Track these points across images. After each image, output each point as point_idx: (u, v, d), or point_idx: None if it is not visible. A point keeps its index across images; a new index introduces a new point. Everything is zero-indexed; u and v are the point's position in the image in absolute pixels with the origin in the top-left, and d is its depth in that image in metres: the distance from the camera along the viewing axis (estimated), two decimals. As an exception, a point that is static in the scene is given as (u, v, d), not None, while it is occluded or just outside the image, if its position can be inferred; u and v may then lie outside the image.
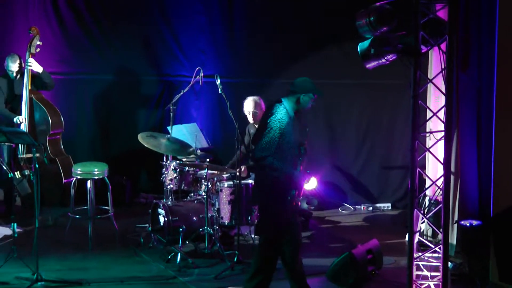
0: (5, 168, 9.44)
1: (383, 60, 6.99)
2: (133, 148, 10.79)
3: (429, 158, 8.50)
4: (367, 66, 7.11)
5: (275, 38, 11.24)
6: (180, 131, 9.85)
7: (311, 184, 10.62)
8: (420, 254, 7.21)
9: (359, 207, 11.03)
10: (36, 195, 7.73)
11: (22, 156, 9.92)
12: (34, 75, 9.99)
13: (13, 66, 9.91)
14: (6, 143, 9.36)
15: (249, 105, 9.36)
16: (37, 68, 9.92)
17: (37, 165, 7.74)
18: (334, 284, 7.75)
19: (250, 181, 8.73)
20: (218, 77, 8.67)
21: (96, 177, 9.10)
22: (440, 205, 7.02)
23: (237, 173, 8.47)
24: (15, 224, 8.05)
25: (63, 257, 8.54)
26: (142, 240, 8.89)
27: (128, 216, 10.07)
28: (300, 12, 11.22)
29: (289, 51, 11.25)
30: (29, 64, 9.88)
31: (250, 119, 9.39)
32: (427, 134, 7.78)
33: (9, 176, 9.14)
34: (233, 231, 8.98)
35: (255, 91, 10.26)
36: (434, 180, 7.23)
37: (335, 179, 11.26)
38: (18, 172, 9.84)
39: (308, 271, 8.00)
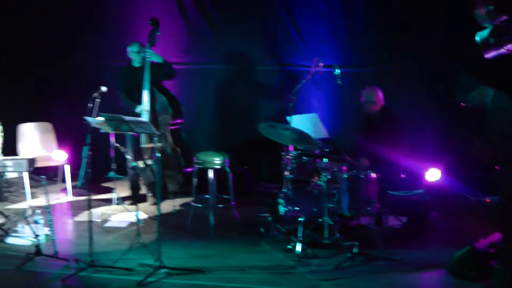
0: (129, 157, 9.67)
1: (503, 50, 6.80)
2: (254, 138, 10.87)
3: None
4: (486, 56, 6.93)
5: (395, 26, 11.07)
6: (300, 121, 9.83)
7: (432, 175, 10.46)
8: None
9: (483, 199, 10.76)
10: (157, 183, 7.87)
11: (144, 145, 10.11)
12: (155, 65, 10.16)
13: (133, 54, 10.15)
14: (129, 133, 9.57)
15: (367, 95, 9.31)
16: (158, 58, 10.10)
17: (158, 154, 7.88)
18: (455, 277, 7.60)
19: (369, 171, 8.66)
20: (337, 68, 8.60)
21: (217, 166, 9.21)
22: None
23: (357, 163, 8.43)
24: (138, 212, 8.27)
25: (185, 245, 8.67)
26: (262, 229, 8.94)
27: (249, 205, 10.17)
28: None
29: (410, 39, 11.07)
30: (149, 54, 10.06)
31: (368, 109, 9.34)
32: None
33: (132, 165, 9.37)
34: (353, 221, 8.94)
35: (376, 80, 10.18)
36: None
37: (459, 170, 11.02)
38: (141, 161, 10.05)
39: (428, 264, 7.96)
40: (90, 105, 8.25)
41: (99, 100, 8.26)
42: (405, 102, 11.06)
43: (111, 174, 10.36)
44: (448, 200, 10.65)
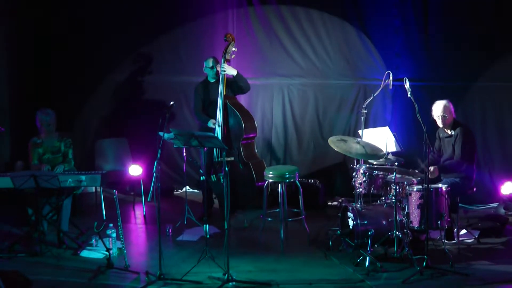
0: (201, 171, 9.78)
1: None
2: (328, 152, 10.86)
3: None
4: None
5: (470, 40, 10.93)
6: (372, 135, 9.81)
7: (507, 188, 10.30)
8: None
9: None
10: (226, 197, 7.95)
11: (217, 160, 10.21)
12: (230, 80, 10.26)
13: (208, 69, 10.28)
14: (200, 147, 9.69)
15: (437, 109, 9.21)
16: (232, 71, 10.18)
17: (226, 168, 7.97)
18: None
19: (440, 185, 8.58)
20: (406, 81, 8.57)
21: (287, 181, 9.24)
22: None
23: (427, 176, 8.35)
24: (207, 226, 8.36)
25: (255, 259, 8.72)
26: (331, 243, 8.93)
27: (320, 219, 10.18)
28: (500, 11, 10.86)
29: (485, 52, 10.92)
30: (223, 69, 10.16)
31: (439, 123, 9.24)
32: None
33: (201, 179, 9.48)
34: (423, 235, 8.87)
35: (451, 94, 10.08)
36: None
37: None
38: (213, 175, 10.15)
39: (500, 279, 7.83)
40: (161, 120, 8.37)
41: (169, 114, 8.38)
42: (479, 116, 10.94)
43: (184, 187, 10.48)
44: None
